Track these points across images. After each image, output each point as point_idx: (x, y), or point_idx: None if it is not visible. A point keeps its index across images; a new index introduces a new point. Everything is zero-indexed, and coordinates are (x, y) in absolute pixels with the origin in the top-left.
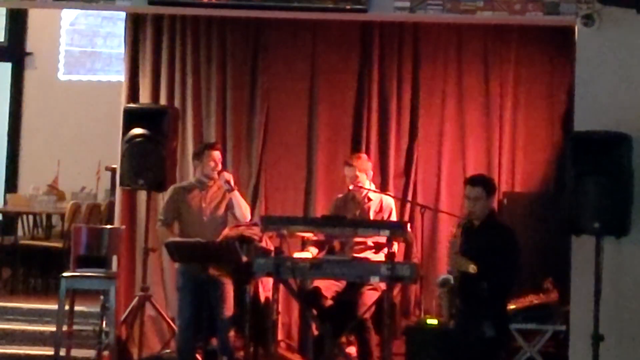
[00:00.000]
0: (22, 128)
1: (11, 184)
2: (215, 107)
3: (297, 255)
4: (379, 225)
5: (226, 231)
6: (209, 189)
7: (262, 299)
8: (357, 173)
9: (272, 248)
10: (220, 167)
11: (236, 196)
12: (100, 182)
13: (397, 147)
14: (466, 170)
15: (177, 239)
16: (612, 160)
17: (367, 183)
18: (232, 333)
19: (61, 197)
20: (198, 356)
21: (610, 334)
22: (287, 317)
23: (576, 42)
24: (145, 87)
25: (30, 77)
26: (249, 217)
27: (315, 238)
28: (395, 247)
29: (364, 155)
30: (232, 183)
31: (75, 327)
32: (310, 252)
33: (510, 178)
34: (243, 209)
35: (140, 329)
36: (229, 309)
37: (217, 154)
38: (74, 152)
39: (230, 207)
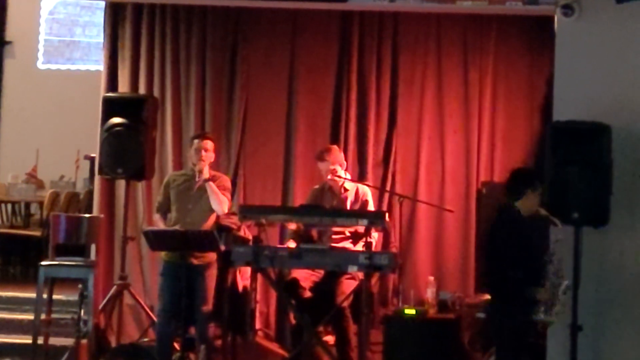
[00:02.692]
0: (1, 117)
1: None
2: (195, 97)
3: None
4: (357, 214)
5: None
6: (195, 178)
7: (240, 287)
8: (333, 165)
9: (250, 237)
10: (204, 157)
11: (211, 188)
12: (79, 171)
13: (376, 137)
14: (445, 160)
15: (155, 227)
16: (592, 150)
17: (343, 173)
18: (211, 326)
19: (40, 185)
20: (176, 344)
21: (589, 325)
22: (265, 306)
23: (556, 32)
24: (125, 76)
25: (9, 66)
26: (224, 210)
27: (294, 227)
28: (376, 236)
29: (334, 147)
30: (205, 174)
31: (53, 315)
32: (289, 246)
33: (489, 168)
34: (217, 201)
35: (118, 317)
36: (208, 299)
37: (201, 144)
38: (53, 140)
39: None
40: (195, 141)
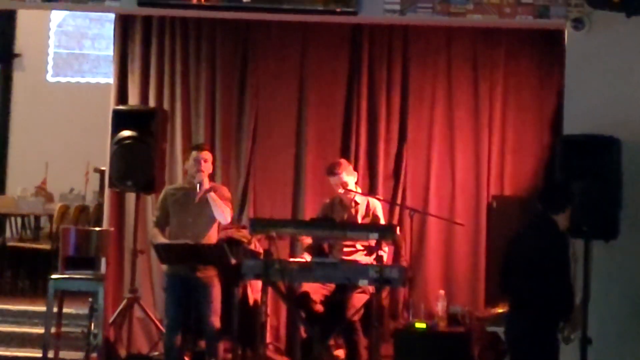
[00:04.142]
0: (10, 130)
1: None
2: (204, 109)
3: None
4: (368, 228)
5: (222, 233)
6: (196, 190)
7: (251, 301)
8: (345, 179)
9: (261, 250)
10: (204, 167)
11: (212, 198)
12: (89, 184)
13: (386, 150)
14: (455, 173)
15: (166, 240)
16: (602, 163)
17: (354, 187)
18: (222, 344)
19: (49, 198)
20: (186, 358)
21: (599, 338)
22: (276, 320)
23: (566, 45)
24: (134, 88)
25: (18, 79)
26: (228, 219)
27: (309, 241)
28: (387, 249)
29: (344, 161)
30: (205, 185)
31: (63, 328)
32: (305, 259)
33: (499, 181)
34: (220, 211)
35: (128, 330)
36: (216, 312)
37: (200, 155)
38: (62, 153)
39: None
40: (194, 152)
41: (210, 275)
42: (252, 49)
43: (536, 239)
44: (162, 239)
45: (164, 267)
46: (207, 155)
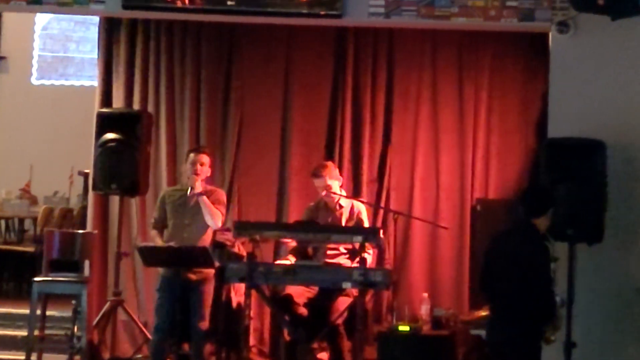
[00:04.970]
0: None
1: None
2: (189, 112)
3: (277, 263)
4: (351, 231)
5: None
6: (190, 193)
7: (235, 304)
8: (329, 182)
9: (244, 253)
10: (199, 171)
11: (204, 202)
12: (73, 187)
13: (371, 153)
14: (439, 176)
15: (149, 243)
16: (587, 167)
17: (338, 190)
18: (208, 346)
19: (34, 201)
20: None
21: (583, 342)
22: (259, 323)
23: (551, 48)
24: (119, 91)
25: (3, 82)
26: (218, 224)
27: (293, 244)
28: (371, 252)
29: (330, 163)
30: (197, 189)
31: (47, 331)
32: (290, 261)
33: (484, 184)
34: (210, 215)
35: (112, 333)
36: (205, 316)
37: (196, 158)
38: (46, 156)
39: None
40: (191, 155)
41: (205, 278)
42: (236, 52)
43: (517, 243)
44: (159, 241)
45: (160, 268)
46: (204, 158)
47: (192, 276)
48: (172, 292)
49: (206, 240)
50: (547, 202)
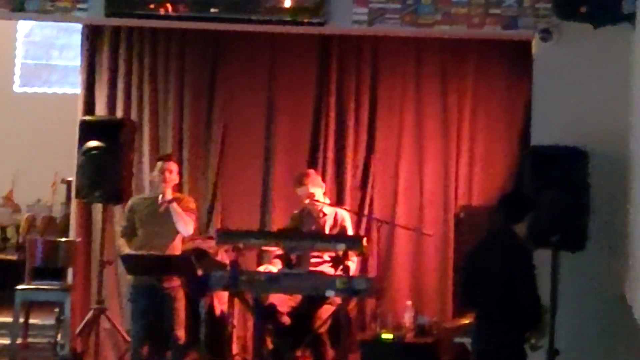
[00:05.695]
0: None
1: None
2: (172, 119)
3: (262, 268)
4: (335, 239)
5: (186, 245)
6: (160, 201)
7: (218, 312)
8: (312, 189)
9: (227, 261)
10: (168, 179)
11: (174, 209)
12: (56, 195)
13: (354, 161)
14: (423, 184)
15: (133, 251)
16: (570, 174)
17: (322, 197)
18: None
19: (16, 209)
20: None
21: (567, 349)
22: (242, 331)
23: (534, 56)
24: (102, 99)
25: None
26: (189, 231)
27: (279, 252)
28: (355, 260)
29: (312, 171)
30: (167, 196)
31: (30, 339)
32: (275, 266)
33: (468, 192)
34: (182, 223)
35: (95, 341)
36: (180, 324)
37: (165, 165)
38: (29, 164)
39: None
40: (159, 163)
41: (176, 286)
42: (220, 60)
43: (499, 251)
44: (127, 250)
45: (129, 277)
46: (172, 165)
47: (163, 284)
48: (144, 301)
49: (176, 247)
50: (525, 207)
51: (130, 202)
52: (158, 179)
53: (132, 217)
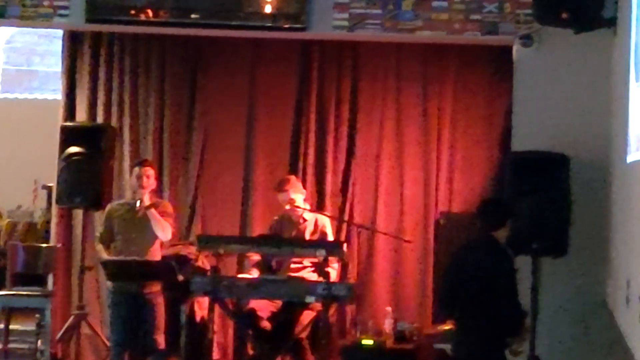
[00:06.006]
0: None
1: None
2: (153, 126)
3: (240, 276)
4: (315, 245)
5: (166, 250)
6: (138, 206)
7: (198, 318)
8: (292, 195)
9: (207, 267)
10: (145, 184)
11: (152, 215)
12: (37, 201)
13: (335, 167)
14: (403, 190)
15: (113, 257)
16: (550, 180)
17: (302, 203)
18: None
19: None
20: None
21: (547, 356)
22: (223, 337)
23: (515, 62)
24: (83, 105)
25: None
26: (168, 236)
27: (257, 258)
28: (336, 266)
29: (293, 177)
30: (145, 202)
31: (10, 345)
32: (252, 275)
33: (448, 198)
34: (160, 228)
35: (76, 347)
36: (160, 329)
37: (142, 170)
38: (10, 170)
39: None
40: (136, 168)
41: (156, 292)
42: (201, 66)
43: (480, 257)
44: (106, 256)
45: (109, 283)
46: (149, 171)
47: (143, 290)
48: (123, 307)
49: (155, 253)
50: (505, 213)
51: (107, 208)
52: (135, 184)
53: (109, 223)
